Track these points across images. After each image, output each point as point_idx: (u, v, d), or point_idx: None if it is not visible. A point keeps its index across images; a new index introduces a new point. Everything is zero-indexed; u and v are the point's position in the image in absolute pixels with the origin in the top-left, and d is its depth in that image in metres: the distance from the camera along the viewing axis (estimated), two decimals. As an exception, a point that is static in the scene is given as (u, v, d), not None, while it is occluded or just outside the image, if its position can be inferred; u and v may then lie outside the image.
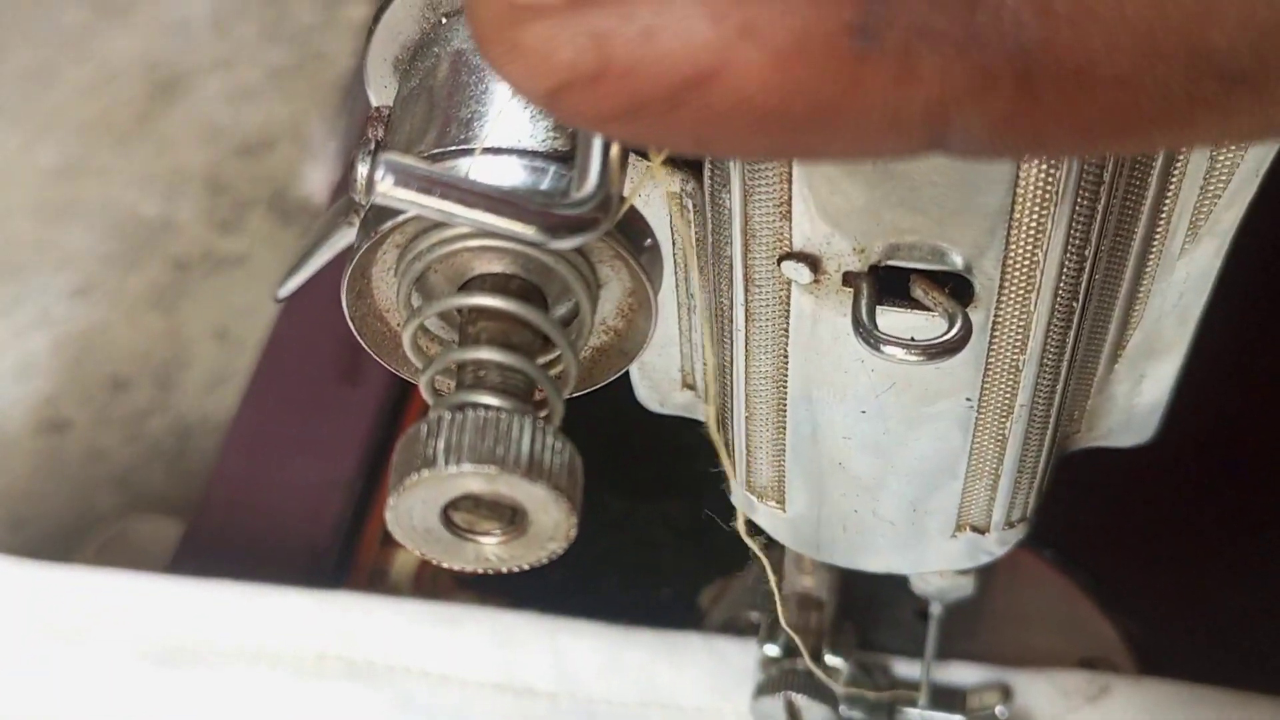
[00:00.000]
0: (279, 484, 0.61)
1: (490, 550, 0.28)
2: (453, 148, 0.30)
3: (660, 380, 0.41)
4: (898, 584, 0.49)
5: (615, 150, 0.28)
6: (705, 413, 0.41)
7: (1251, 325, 0.48)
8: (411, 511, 0.27)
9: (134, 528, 0.69)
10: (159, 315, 0.82)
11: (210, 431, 0.76)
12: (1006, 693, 0.52)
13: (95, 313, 0.82)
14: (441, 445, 0.26)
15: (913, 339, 0.31)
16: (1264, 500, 0.59)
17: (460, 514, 0.28)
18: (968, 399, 0.35)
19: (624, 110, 0.19)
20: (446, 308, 0.30)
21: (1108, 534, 0.58)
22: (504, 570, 0.28)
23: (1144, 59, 0.18)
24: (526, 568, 0.29)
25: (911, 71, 0.18)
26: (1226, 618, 0.57)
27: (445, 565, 0.28)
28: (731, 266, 0.33)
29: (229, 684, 0.52)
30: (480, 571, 0.28)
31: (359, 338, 0.34)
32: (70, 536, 0.70)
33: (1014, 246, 0.31)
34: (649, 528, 0.60)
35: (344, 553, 0.59)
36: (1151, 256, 0.34)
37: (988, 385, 0.34)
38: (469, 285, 0.31)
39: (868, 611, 0.54)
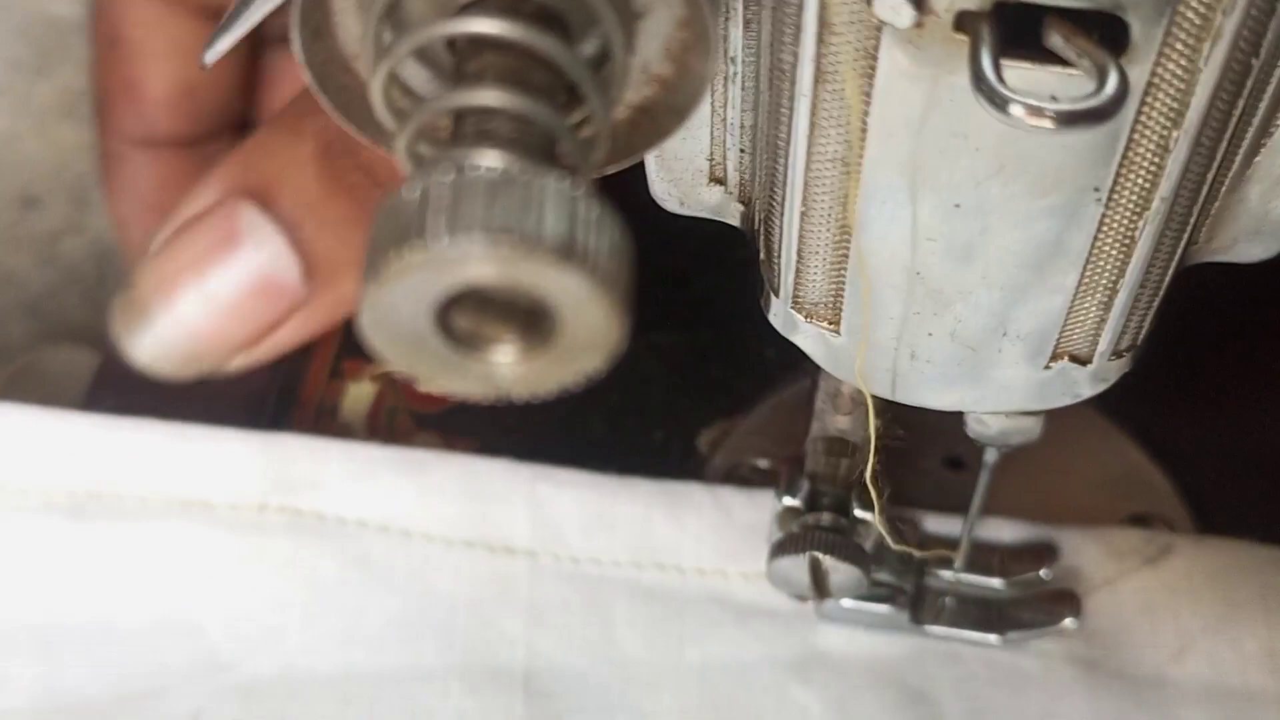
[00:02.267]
0: (210, 309, 0.53)
1: (503, 368, 0.20)
2: None
3: (683, 172, 0.33)
4: (924, 426, 0.42)
5: None
6: (738, 212, 0.34)
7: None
8: (397, 310, 0.19)
9: (47, 358, 0.62)
10: (72, 126, 0.74)
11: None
12: (1052, 553, 0.46)
13: (0, 123, 0.74)
14: (442, 215, 0.18)
15: (1053, 97, 0.24)
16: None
17: (463, 316, 0.20)
18: (1095, 189, 0.27)
19: None
20: (436, 36, 0.22)
21: (1159, 379, 0.51)
22: (521, 397, 0.21)
23: None
24: (551, 394, 0.21)
25: None
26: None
27: (441, 391, 0.21)
28: (801, 8, 0.26)
29: (153, 540, 0.44)
30: (491, 399, 0.21)
31: (318, 93, 0.25)
32: (-24, 368, 0.62)
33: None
34: (637, 362, 0.52)
35: (286, 388, 0.51)
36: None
37: (1125, 171, 0.27)
38: (465, 12, 0.23)
39: (889, 460, 0.47)
